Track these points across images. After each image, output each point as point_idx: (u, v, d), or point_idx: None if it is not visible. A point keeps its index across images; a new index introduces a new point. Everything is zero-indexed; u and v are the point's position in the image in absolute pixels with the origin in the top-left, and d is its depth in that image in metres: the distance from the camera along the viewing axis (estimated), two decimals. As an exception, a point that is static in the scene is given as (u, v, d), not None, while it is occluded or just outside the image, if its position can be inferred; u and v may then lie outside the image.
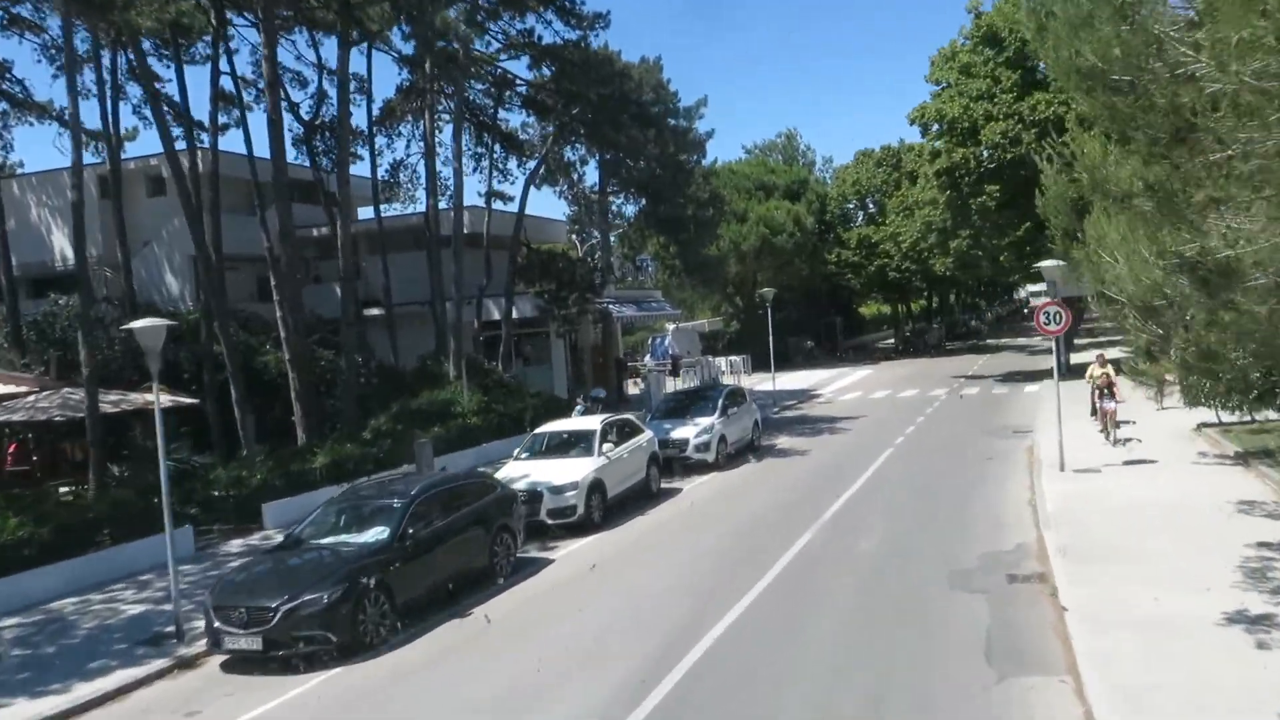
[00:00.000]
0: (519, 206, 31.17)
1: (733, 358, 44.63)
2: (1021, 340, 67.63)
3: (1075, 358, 39.93)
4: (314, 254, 35.81)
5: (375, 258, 33.05)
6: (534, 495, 16.04)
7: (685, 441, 21.41)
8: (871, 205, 58.23)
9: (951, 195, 36.65)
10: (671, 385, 37.72)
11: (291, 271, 23.21)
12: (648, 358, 62.49)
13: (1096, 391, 22.22)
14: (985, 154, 34.09)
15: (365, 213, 35.97)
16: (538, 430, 19.97)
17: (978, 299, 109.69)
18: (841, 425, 28.49)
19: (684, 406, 23.25)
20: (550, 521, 16.20)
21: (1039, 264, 18.23)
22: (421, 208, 33.32)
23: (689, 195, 34.29)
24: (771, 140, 65.73)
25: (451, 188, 32.42)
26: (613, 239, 51.03)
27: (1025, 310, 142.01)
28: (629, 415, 21.89)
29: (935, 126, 36.13)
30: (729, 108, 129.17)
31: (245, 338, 27.28)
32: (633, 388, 42.36)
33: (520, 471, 16.98)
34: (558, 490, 16.27)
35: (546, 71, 30.04)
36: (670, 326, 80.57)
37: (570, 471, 16.69)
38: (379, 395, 26.89)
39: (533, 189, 33.83)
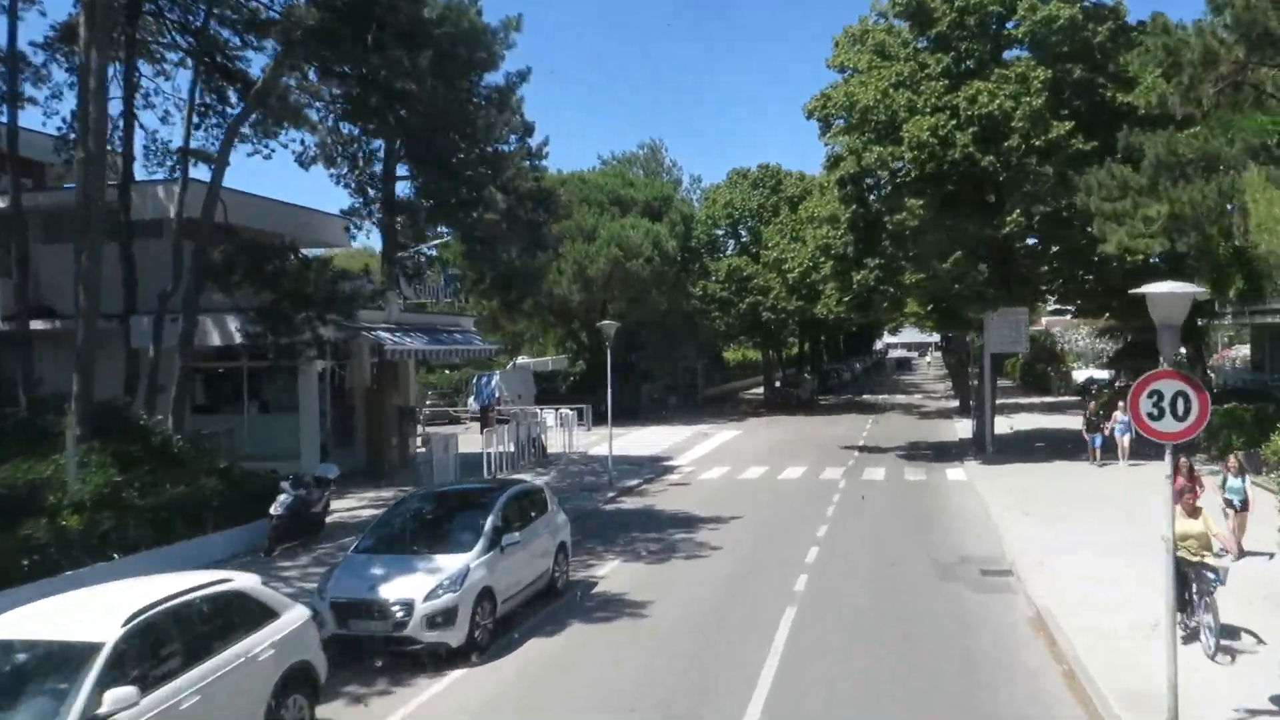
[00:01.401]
0: (213, 170, 19.86)
1: (565, 409, 34.24)
2: (900, 398, 60.15)
3: (1003, 422, 31.62)
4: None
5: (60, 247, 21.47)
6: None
7: (406, 608, 10.75)
8: (745, 233, 49.37)
9: (858, 212, 27.67)
10: (477, 445, 27.02)
11: None
12: (471, 400, 51.65)
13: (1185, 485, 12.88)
14: (907, 156, 25.22)
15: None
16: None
17: (844, 349, 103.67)
18: (705, 537, 18.45)
19: (423, 528, 12.56)
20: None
21: (1148, 288, 8.66)
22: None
23: (501, 179, 23.95)
24: (632, 152, 56.45)
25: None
26: (431, 251, 40.08)
27: (892, 362, 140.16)
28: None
29: (841, 120, 27.14)
30: (586, 119, 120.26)
31: None
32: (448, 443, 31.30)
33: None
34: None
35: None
36: (513, 363, 69.89)
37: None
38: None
39: (313, 175, 22.83)
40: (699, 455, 32.35)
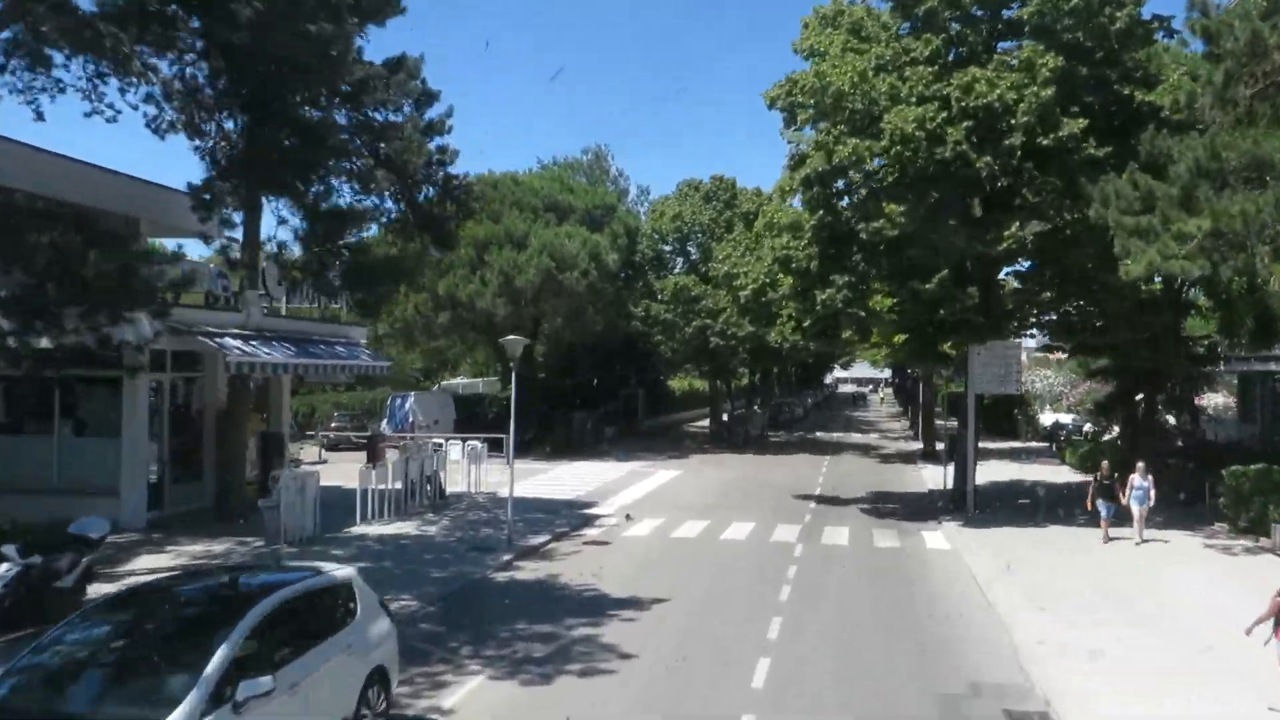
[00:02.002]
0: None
1: (475, 441, 29.10)
2: (855, 437, 55.91)
3: (989, 469, 27.22)
4: None
5: None
6: None
7: None
8: (694, 250, 44.83)
9: (825, 220, 23.18)
10: (369, 483, 21.81)
11: None
12: (384, 424, 46.23)
13: None
14: (888, 152, 20.81)
15: None
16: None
17: (796, 382, 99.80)
18: (616, 635, 13.44)
19: (103, 667, 7.41)
20: None
21: None
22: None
23: (383, 149, 18.94)
24: (575, 159, 51.78)
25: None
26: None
27: (848, 397, 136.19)
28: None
29: (811, 107, 22.65)
30: (527, 120, 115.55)
31: None
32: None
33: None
34: None
35: None
36: (439, 385, 64.48)
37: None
38: None
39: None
40: (630, 501, 27.42)
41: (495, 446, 37.82)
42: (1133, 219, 19.12)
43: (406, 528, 21.35)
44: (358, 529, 21.00)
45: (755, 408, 57.57)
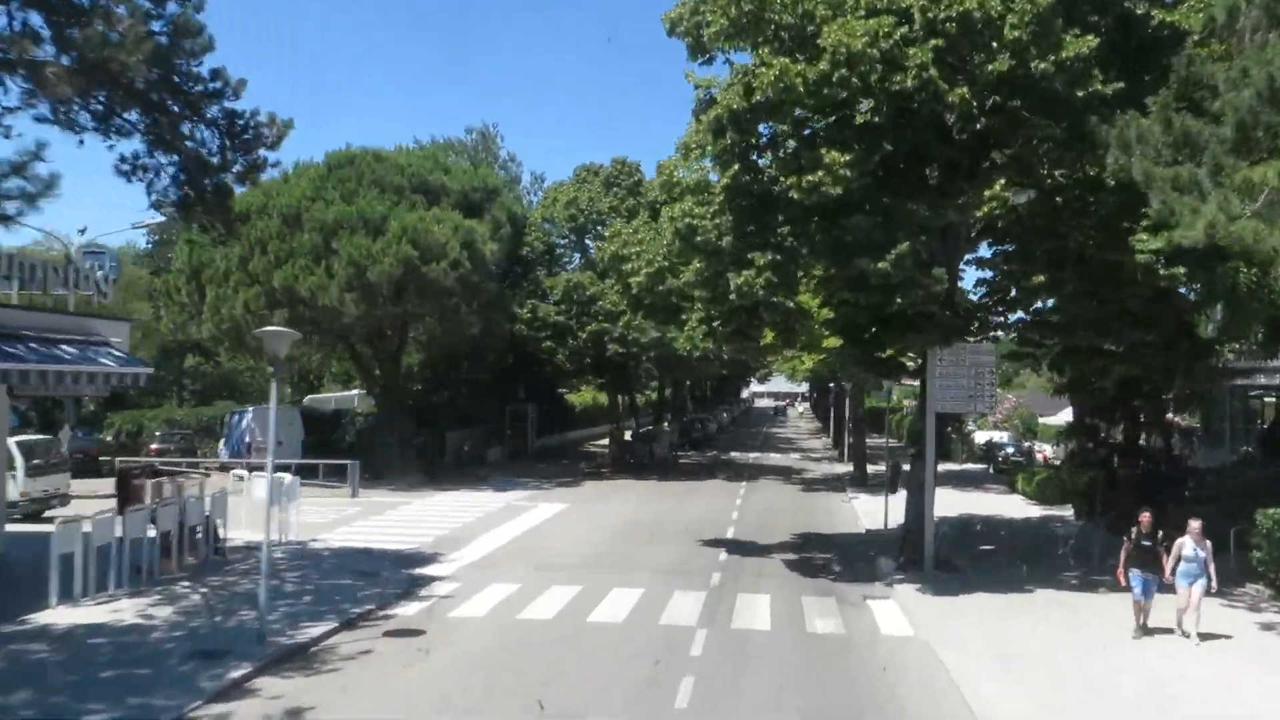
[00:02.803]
0: None
1: (285, 475, 22.21)
2: (774, 457, 50.24)
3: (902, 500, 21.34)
4: None
5: None
6: None
7: None
8: (592, 243, 38.58)
9: (742, 178, 17.15)
10: (112, 534, 14.84)
11: None
12: (221, 447, 38.76)
13: None
14: (835, 77, 14.93)
15: None
16: None
17: (710, 396, 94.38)
18: None
19: None
20: None
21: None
22: None
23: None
24: (459, 140, 45.13)
25: None
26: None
27: (775, 410, 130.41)
28: None
29: (724, 23, 16.55)
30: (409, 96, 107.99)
31: None
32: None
33: None
34: None
35: None
36: (320, 395, 56.87)
37: None
38: None
39: None
40: (486, 553, 20.92)
41: (344, 475, 31.02)
42: (1167, 170, 13.67)
43: (124, 610, 14.46)
44: (46, 614, 14.06)
45: (664, 425, 51.53)
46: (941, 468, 41.45)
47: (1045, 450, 46.31)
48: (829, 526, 25.58)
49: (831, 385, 59.87)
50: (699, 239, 17.24)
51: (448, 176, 36.10)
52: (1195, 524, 13.04)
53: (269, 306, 31.78)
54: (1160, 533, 13.46)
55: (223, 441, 38.34)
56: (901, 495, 24.57)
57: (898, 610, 15.59)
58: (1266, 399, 28.89)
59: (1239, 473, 25.34)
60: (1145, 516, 13.54)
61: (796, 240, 17.15)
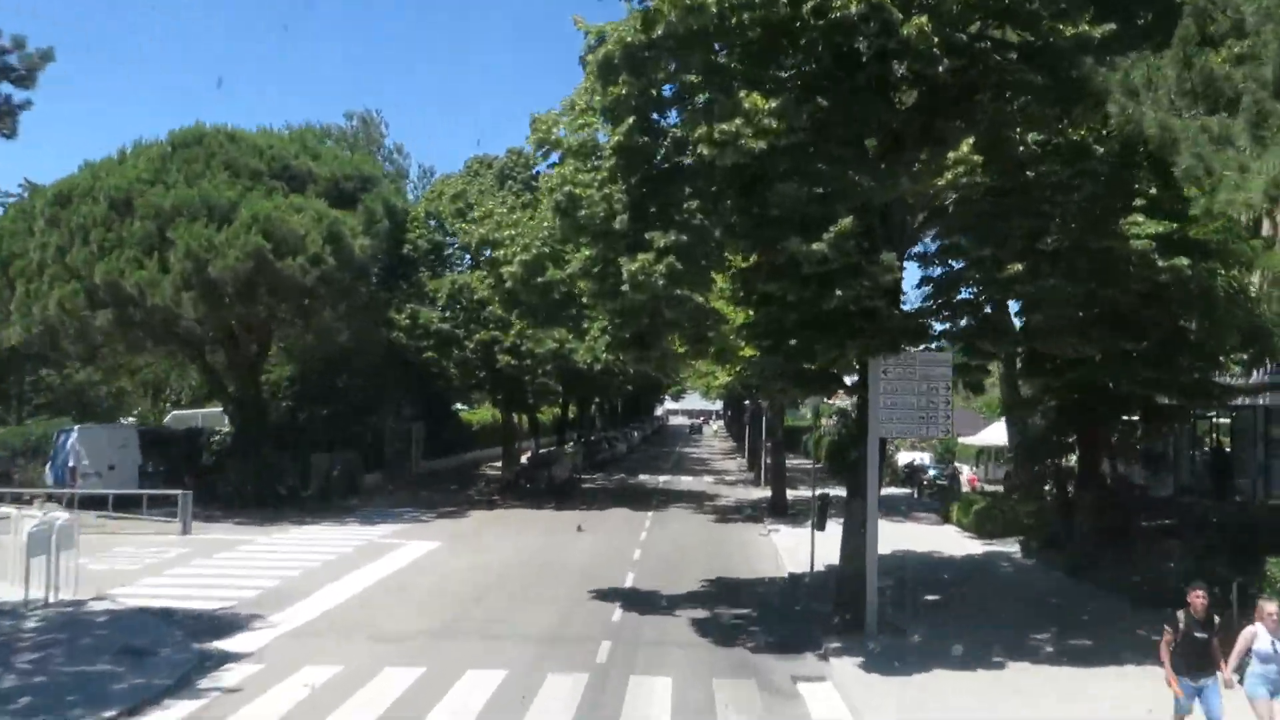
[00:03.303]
0: None
1: (58, 513, 17.40)
2: (686, 480, 46.56)
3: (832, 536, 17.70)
4: None
5: None
6: None
7: None
8: (456, 233, 34.15)
9: (638, 138, 13.32)
10: None
11: None
12: (47, 471, 33.23)
13: None
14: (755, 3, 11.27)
15: None
16: None
17: (621, 414, 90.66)
18: None
19: None
20: None
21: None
22: None
23: None
24: (338, 127, 40.50)
25: None
26: None
27: (691, 428, 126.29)
28: None
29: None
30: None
31: None
32: None
33: None
34: None
35: None
36: (181, 412, 51.07)
37: None
38: None
39: None
40: (317, 614, 16.53)
41: (198, 503, 26.09)
42: (1190, 121, 10.38)
43: None
44: None
45: (567, 445, 47.40)
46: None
47: (971, 473, 43.81)
48: (746, 568, 21.88)
49: (747, 403, 56.77)
50: (583, 214, 13.35)
51: (316, 162, 31.49)
52: (1272, 606, 9.26)
53: (90, 306, 26.82)
54: (1217, 619, 9.61)
55: (49, 464, 32.86)
56: (832, 533, 21.08)
57: (838, 699, 11.85)
58: (1220, 419, 26.38)
59: (1198, 505, 22.60)
60: (1198, 596, 9.32)
61: (707, 217, 13.40)
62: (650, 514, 31.86)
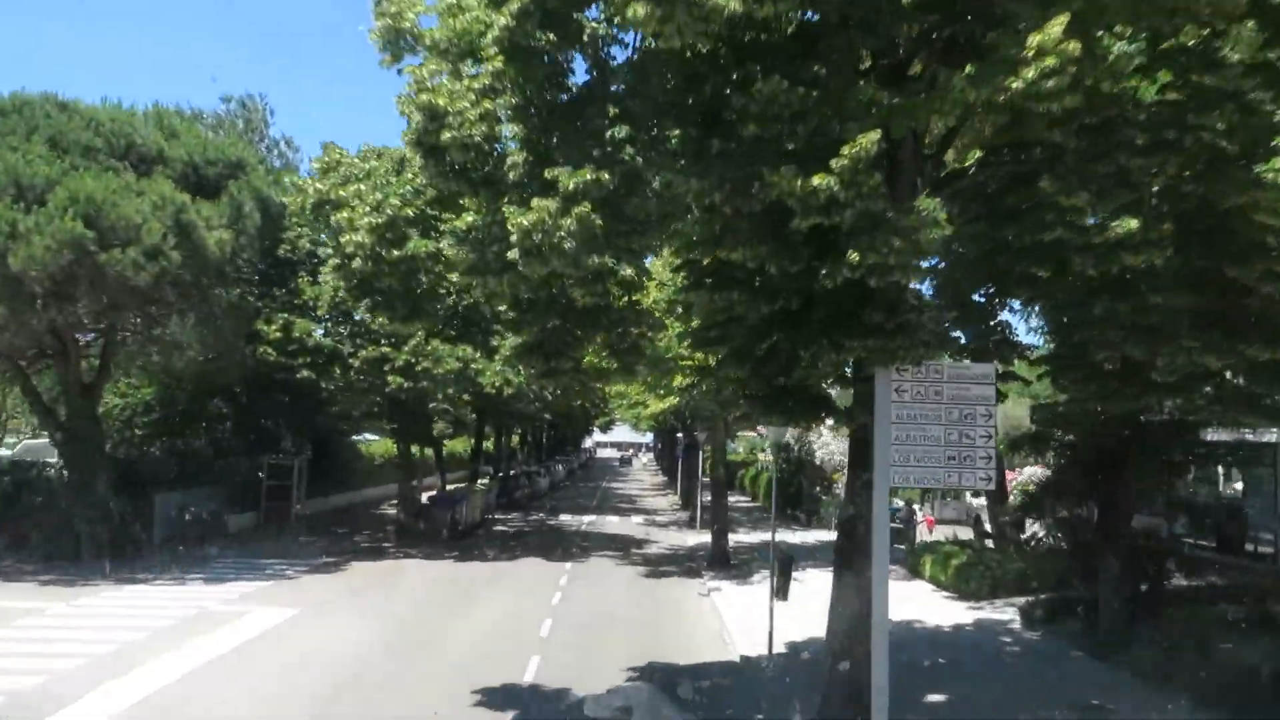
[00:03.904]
0: None
1: None
2: (612, 521, 41.58)
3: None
4: None
5: None
6: None
7: None
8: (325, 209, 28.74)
9: (533, 15, 8.59)
10: None
11: None
12: None
13: None
14: None
15: None
16: None
17: (547, 447, 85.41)
18: None
19: None
20: None
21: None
22: None
23: None
24: (215, 113, 35.04)
25: None
26: None
27: (621, 460, 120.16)
28: None
29: None
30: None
31: None
32: None
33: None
34: None
35: None
36: (31, 441, 44.39)
37: None
38: None
39: None
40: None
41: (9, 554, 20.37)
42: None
43: None
44: None
45: (479, 483, 42.15)
46: (811, 537, 34.13)
47: (926, 514, 39.84)
48: (685, 649, 17.06)
49: (680, 435, 52.22)
50: (449, 137, 8.60)
51: (171, 142, 26.09)
52: None
53: None
54: None
55: None
56: (797, 606, 16.53)
57: None
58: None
59: (1248, 566, 18.65)
60: None
61: (643, 151, 8.75)
62: (569, 566, 26.88)
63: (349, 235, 13.61)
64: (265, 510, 32.58)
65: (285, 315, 26.39)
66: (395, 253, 11.55)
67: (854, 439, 10.70)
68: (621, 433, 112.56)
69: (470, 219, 10.52)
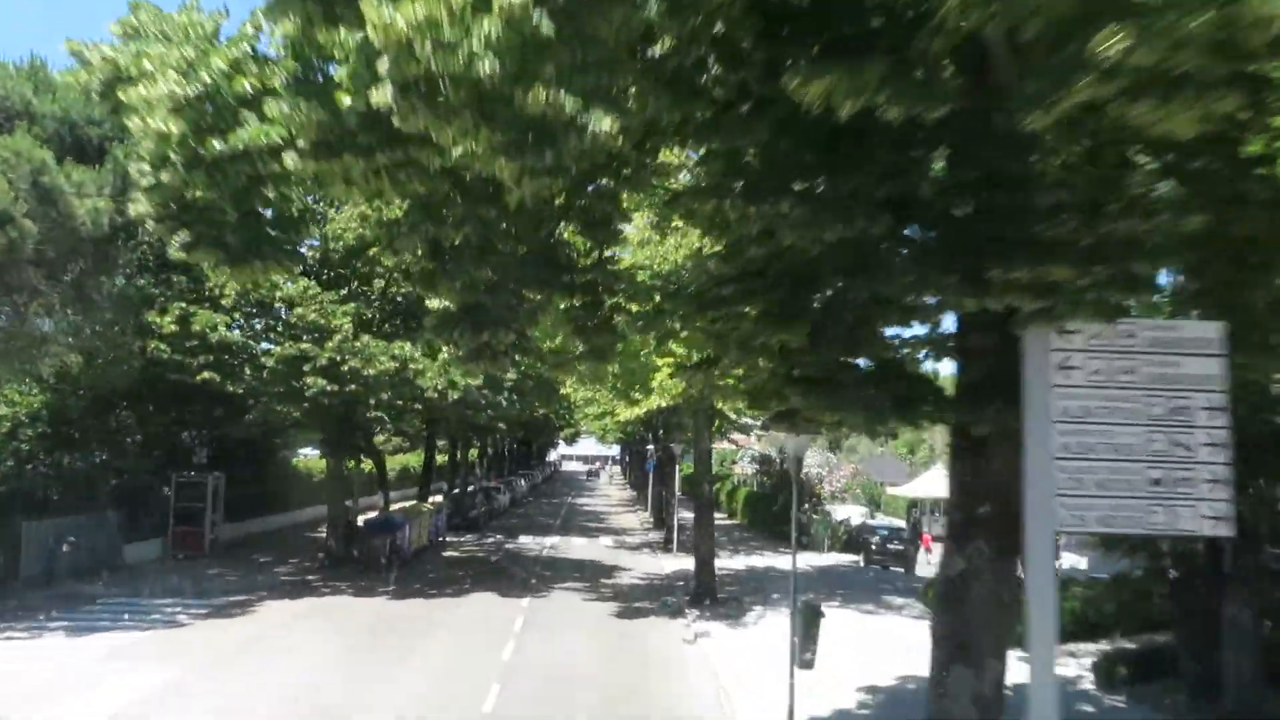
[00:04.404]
0: None
1: None
2: (578, 544, 37.30)
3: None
4: None
5: None
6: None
7: None
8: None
9: None
10: None
11: None
12: None
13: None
14: None
15: None
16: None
17: (510, 461, 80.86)
18: None
19: None
20: None
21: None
22: None
23: None
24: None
25: None
26: None
27: (589, 473, 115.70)
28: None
29: None
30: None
31: None
32: None
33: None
34: None
35: None
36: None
37: None
38: None
39: None
40: None
41: None
42: None
43: None
44: None
45: (429, 501, 37.73)
46: (802, 561, 30.25)
47: (925, 531, 36.21)
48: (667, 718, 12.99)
49: (650, 447, 48.15)
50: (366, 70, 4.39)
51: (42, 98, 21.67)
52: None
53: None
54: None
55: None
56: (824, 671, 12.55)
57: None
58: None
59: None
60: None
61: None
62: (526, 603, 22.64)
63: (148, 121, 9.08)
64: (174, 536, 27.98)
65: (183, 305, 21.96)
66: (218, 145, 7.40)
67: (959, 450, 6.67)
68: (588, 445, 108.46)
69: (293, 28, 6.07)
